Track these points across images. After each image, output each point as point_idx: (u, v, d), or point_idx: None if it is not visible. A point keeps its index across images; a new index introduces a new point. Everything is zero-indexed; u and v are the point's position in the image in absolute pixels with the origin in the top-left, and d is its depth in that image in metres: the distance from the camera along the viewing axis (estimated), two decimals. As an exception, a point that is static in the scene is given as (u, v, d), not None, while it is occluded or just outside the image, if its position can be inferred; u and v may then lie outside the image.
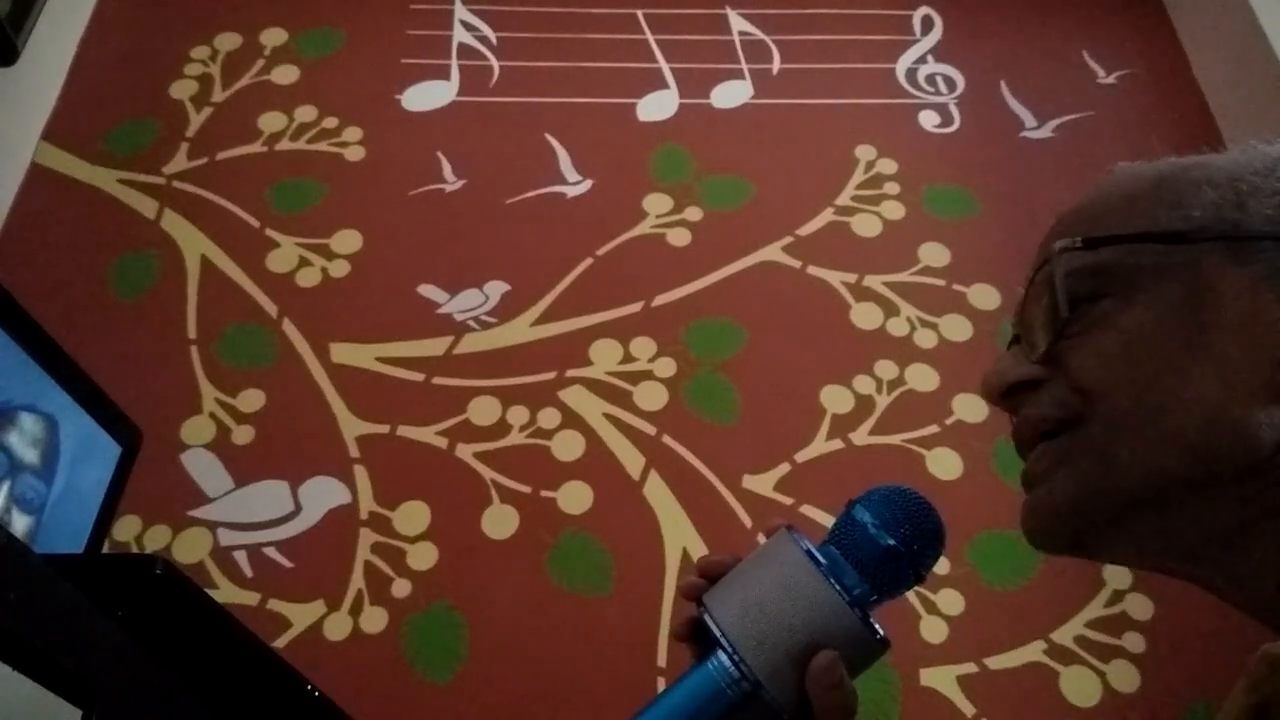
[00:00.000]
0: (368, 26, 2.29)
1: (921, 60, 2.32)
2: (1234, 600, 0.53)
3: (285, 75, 2.21)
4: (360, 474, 1.75)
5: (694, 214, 2.06)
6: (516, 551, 1.68)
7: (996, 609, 1.66)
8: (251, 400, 1.81)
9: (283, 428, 1.79)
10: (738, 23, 2.34)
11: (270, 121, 2.14)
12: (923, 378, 1.87)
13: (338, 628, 1.61)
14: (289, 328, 1.89)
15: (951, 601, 1.66)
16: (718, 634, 0.57)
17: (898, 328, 1.93)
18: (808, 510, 1.72)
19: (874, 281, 1.98)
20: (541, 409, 1.81)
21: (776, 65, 2.28)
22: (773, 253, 2.02)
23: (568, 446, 1.78)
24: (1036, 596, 1.67)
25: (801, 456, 1.78)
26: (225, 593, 1.62)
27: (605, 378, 1.85)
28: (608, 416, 1.81)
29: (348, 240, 1.99)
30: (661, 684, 1.57)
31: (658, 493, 1.74)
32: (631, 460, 1.77)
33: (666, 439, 1.79)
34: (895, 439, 1.81)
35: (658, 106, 2.21)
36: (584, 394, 1.83)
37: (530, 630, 1.62)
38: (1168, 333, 0.51)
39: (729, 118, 2.20)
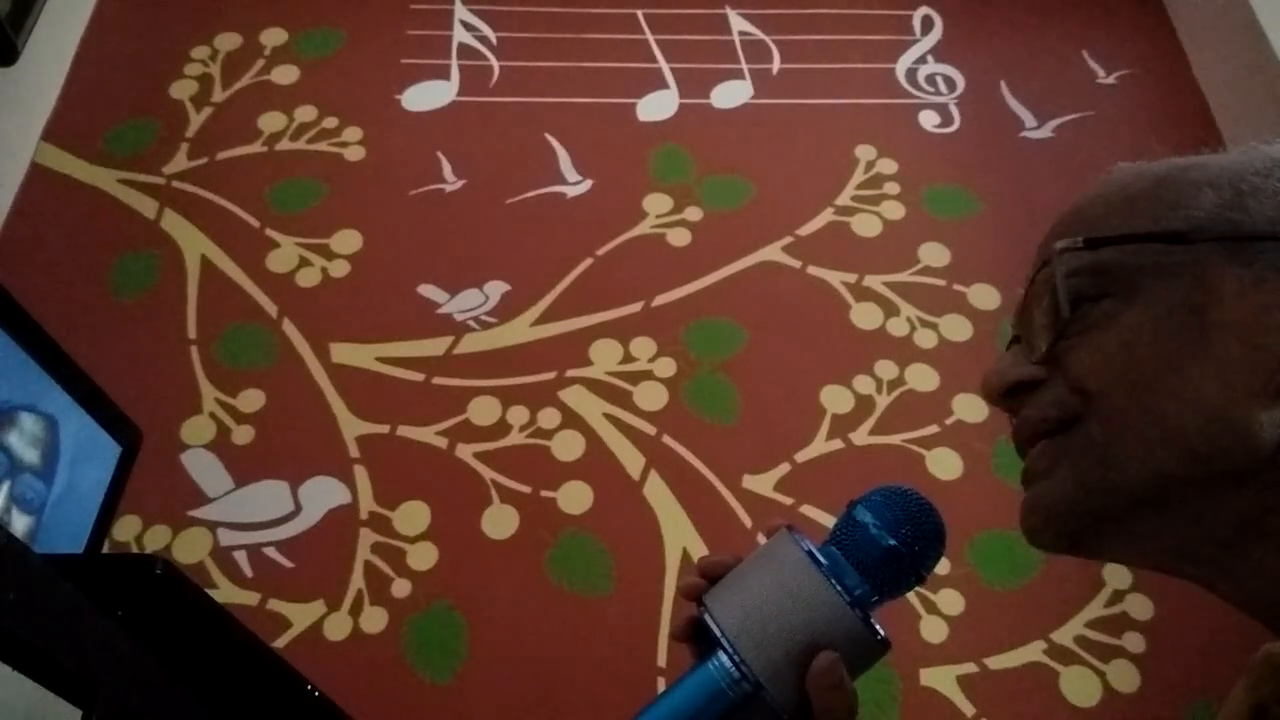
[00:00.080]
0: (368, 26, 2.29)
1: (921, 60, 2.32)
2: (1234, 600, 0.53)
3: (285, 75, 2.21)
4: (360, 474, 1.75)
5: (694, 214, 2.06)
6: (516, 551, 1.68)
7: (996, 609, 1.66)
8: (251, 400, 1.81)
9: (283, 428, 1.79)
10: (738, 23, 2.34)
11: (270, 121, 2.14)
12: (923, 378, 1.87)
13: (338, 628, 1.61)
14: (289, 328, 1.89)
15: (951, 601, 1.66)
16: (718, 634, 0.57)
17: (898, 328, 1.93)
18: (808, 510, 1.72)
19: (874, 281, 1.98)
20: (541, 409, 1.81)
21: (776, 65, 2.28)
22: (773, 253, 2.02)
23: (568, 446, 1.78)
24: (1036, 596, 1.67)
25: (801, 456, 1.78)
26: (225, 593, 1.62)
27: (605, 378, 1.85)
28: (608, 416, 1.81)
29: (348, 240, 1.99)
30: (661, 684, 1.57)
31: (658, 493, 1.74)
32: (631, 460, 1.77)
33: (666, 439, 1.79)
34: (895, 439, 1.81)
35: (658, 106, 2.21)
36: (584, 394, 1.83)
37: (530, 630, 1.62)
38: (1168, 333, 0.51)
39: (729, 118, 2.20)
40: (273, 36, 2.27)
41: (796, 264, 2.00)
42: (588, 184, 2.09)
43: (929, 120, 2.22)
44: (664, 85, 2.24)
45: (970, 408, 1.83)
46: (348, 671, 1.55)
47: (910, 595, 1.52)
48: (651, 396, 1.83)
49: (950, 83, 2.28)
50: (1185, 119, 2.22)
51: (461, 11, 2.33)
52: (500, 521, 1.71)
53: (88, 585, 0.69)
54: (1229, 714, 0.57)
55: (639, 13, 2.34)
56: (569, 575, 1.67)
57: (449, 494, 1.73)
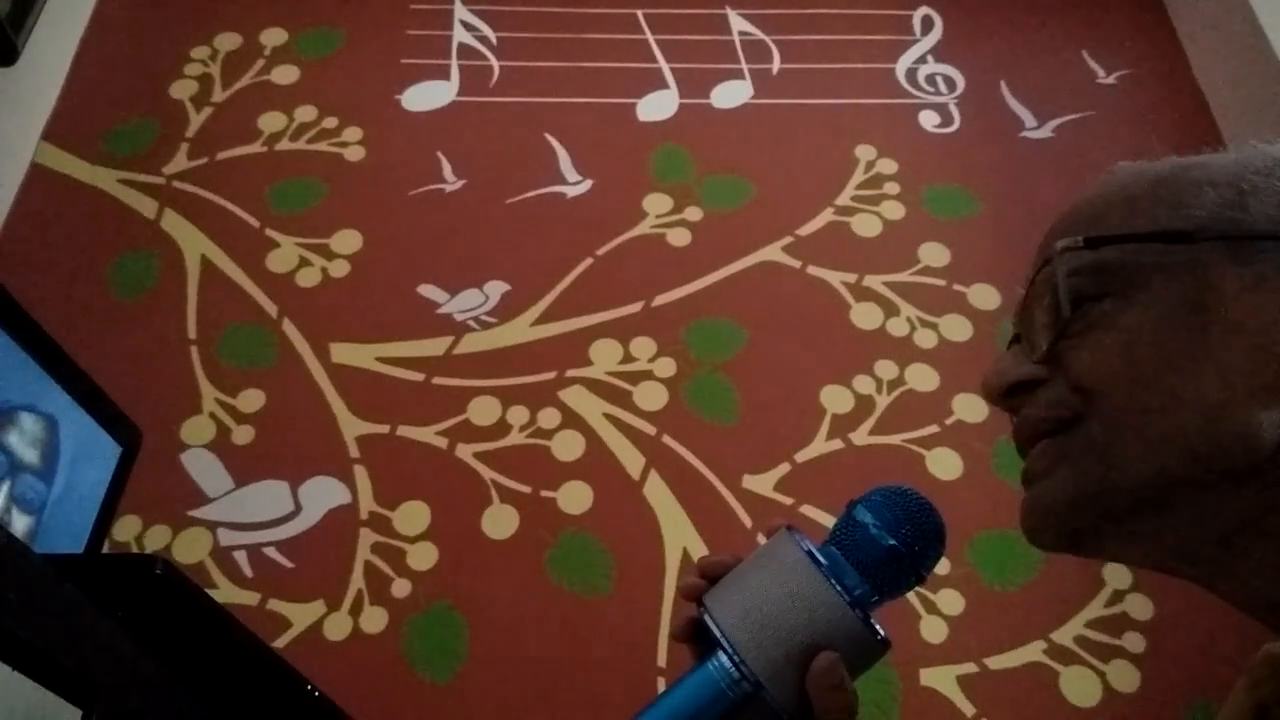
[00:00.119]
0: (368, 26, 2.29)
1: (921, 60, 2.32)
2: (1234, 600, 0.53)
3: (285, 75, 2.21)
4: (360, 474, 1.75)
5: (694, 214, 2.06)
6: (516, 551, 1.68)
7: (996, 609, 1.66)
8: (251, 400, 1.81)
9: (283, 428, 1.79)
10: (738, 23, 2.34)
11: (270, 121, 2.14)
12: (923, 378, 1.87)
13: (338, 628, 1.61)
14: (289, 328, 1.89)
15: (951, 601, 1.66)
16: (718, 635, 0.56)
17: (898, 328, 1.93)
18: (808, 510, 1.72)
19: (874, 281, 1.98)
20: (541, 409, 1.81)
21: (776, 65, 2.28)
22: (773, 253, 2.02)
23: (568, 446, 1.78)
24: (1036, 596, 1.67)
25: (801, 456, 1.78)
26: (225, 593, 1.62)
27: (605, 378, 1.85)
28: (608, 416, 1.81)
29: (348, 240, 2.00)
30: (661, 684, 1.57)
31: (658, 493, 1.74)
32: (631, 460, 1.77)
33: (666, 439, 1.79)
34: (895, 439, 1.81)
35: (658, 106, 2.21)
36: (584, 394, 1.83)
37: (530, 630, 1.62)
38: (1169, 332, 0.51)
39: (729, 118, 2.20)
40: (273, 36, 2.27)
41: (796, 264, 2.00)
42: (588, 184, 2.09)
43: (929, 120, 2.22)
44: (664, 85, 2.24)
45: (970, 408, 1.83)
46: (348, 671, 1.55)
47: (910, 595, 1.52)
48: (651, 396, 1.83)
49: (950, 83, 2.28)
50: (1185, 119, 2.22)
51: (461, 11, 2.33)
52: (500, 521, 1.71)
53: (88, 585, 0.69)
54: (1229, 714, 0.57)
55: (639, 13, 2.34)
56: (569, 575, 1.67)
57: (449, 494, 1.73)
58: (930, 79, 2.29)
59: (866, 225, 2.06)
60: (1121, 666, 1.61)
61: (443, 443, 1.78)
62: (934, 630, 1.64)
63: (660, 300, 1.95)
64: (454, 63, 2.25)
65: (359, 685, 1.52)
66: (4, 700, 0.59)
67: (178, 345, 1.86)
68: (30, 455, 0.88)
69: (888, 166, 2.14)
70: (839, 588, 0.56)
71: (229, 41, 2.26)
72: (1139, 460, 0.51)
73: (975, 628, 1.64)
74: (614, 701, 1.54)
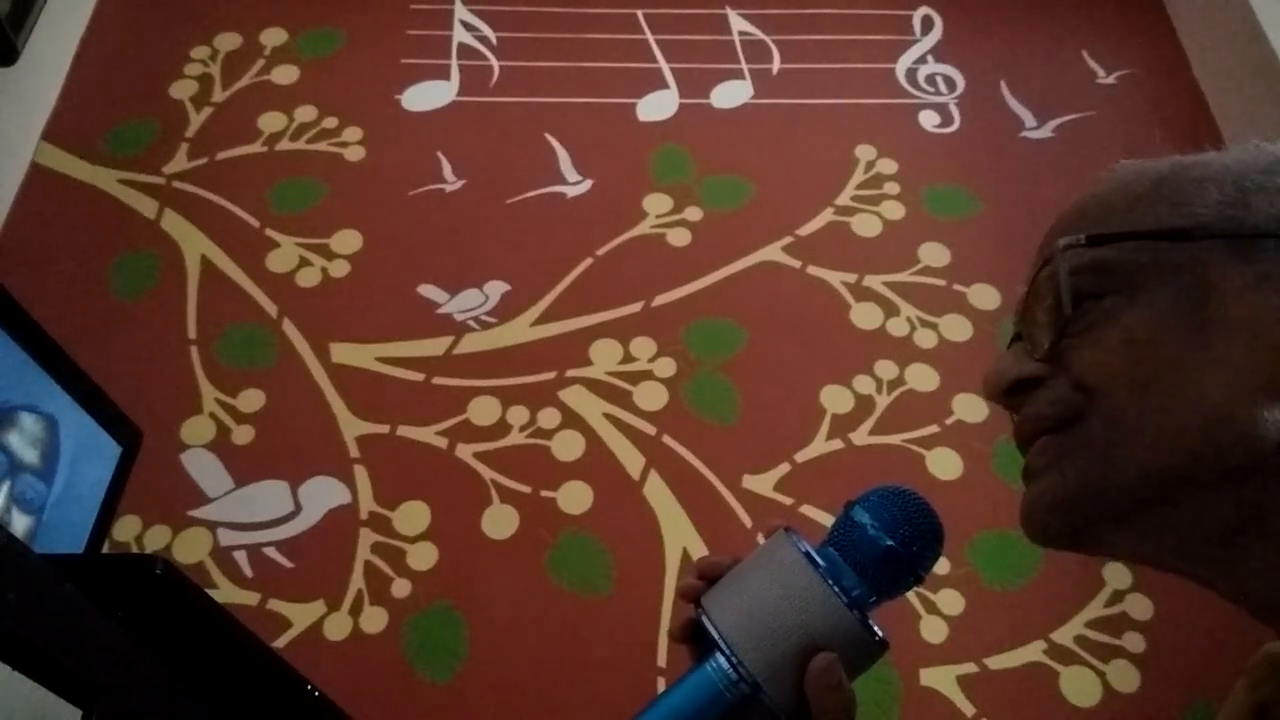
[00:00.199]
0: (368, 26, 2.29)
1: (921, 60, 2.32)
2: (1235, 599, 0.53)
3: (285, 75, 2.21)
4: (360, 474, 1.75)
5: (694, 214, 2.06)
6: (516, 551, 1.68)
7: (996, 609, 1.66)
8: (251, 400, 1.81)
9: (283, 428, 1.79)
10: (738, 23, 2.34)
11: (270, 121, 2.14)
12: (923, 378, 1.87)
13: (338, 628, 1.61)
14: (289, 328, 1.89)
15: (951, 601, 1.66)
16: (716, 636, 0.56)
17: (898, 328, 1.93)
18: (808, 510, 1.72)
19: (874, 281, 1.98)
20: (541, 409, 1.81)
21: (776, 65, 2.28)
22: (773, 253, 2.01)
23: (568, 446, 1.78)
24: (1036, 596, 1.67)
25: (801, 456, 1.78)
26: (225, 593, 1.62)
27: (605, 378, 1.85)
28: (608, 416, 1.81)
29: (348, 240, 2.00)
30: (661, 684, 1.57)
31: (658, 493, 1.74)
32: (631, 460, 1.77)
33: (666, 439, 1.79)
34: (895, 439, 1.81)
35: (658, 106, 2.21)
36: (584, 394, 1.83)
37: (530, 630, 1.62)
38: (1170, 331, 0.51)
39: (729, 118, 2.20)
40: (273, 36, 2.27)
41: (796, 264, 2.00)
42: (588, 184, 2.09)
43: (929, 120, 2.22)
44: (664, 85, 2.24)
45: (970, 408, 1.83)
46: (348, 671, 1.55)
47: (910, 595, 1.52)
48: (651, 396, 1.83)
49: (950, 83, 2.28)
50: (1185, 119, 2.22)
51: (461, 11, 2.33)
52: (500, 521, 1.71)
53: (88, 585, 0.69)
54: (1229, 714, 0.57)
55: (639, 13, 2.34)
56: (569, 575, 1.67)
57: (449, 494, 1.73)
58: (930, 79, 2.29)
59: (866, 225, 2.06)
60: (1121, 666, 1.61)
61: (443, 443, 1.78)
62: (934, 630, 1.64)
63: (660, 300, 1.95)
64: (454, 63, 2.25)
65: (359, 685, 1.52)
66: (4, 700, 0.59)
67: (178, 345, 1.86)
68: (30, 455, 0.88)
69: (888, 166, 2.14)
70: (837, 589, 0.56)
71: (229, 41, 2.26)
72: (1140, 458, 0.50)
73: (975, 628, 1.64)
74: (614, 701, 1.54)
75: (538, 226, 2.03)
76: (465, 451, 1.77)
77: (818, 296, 1.97)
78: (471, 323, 1.91)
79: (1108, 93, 2.27)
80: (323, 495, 1.72)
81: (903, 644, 1.60)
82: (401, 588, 1.64)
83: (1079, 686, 1.60)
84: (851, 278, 1.99)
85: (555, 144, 2.14)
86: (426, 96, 2.20)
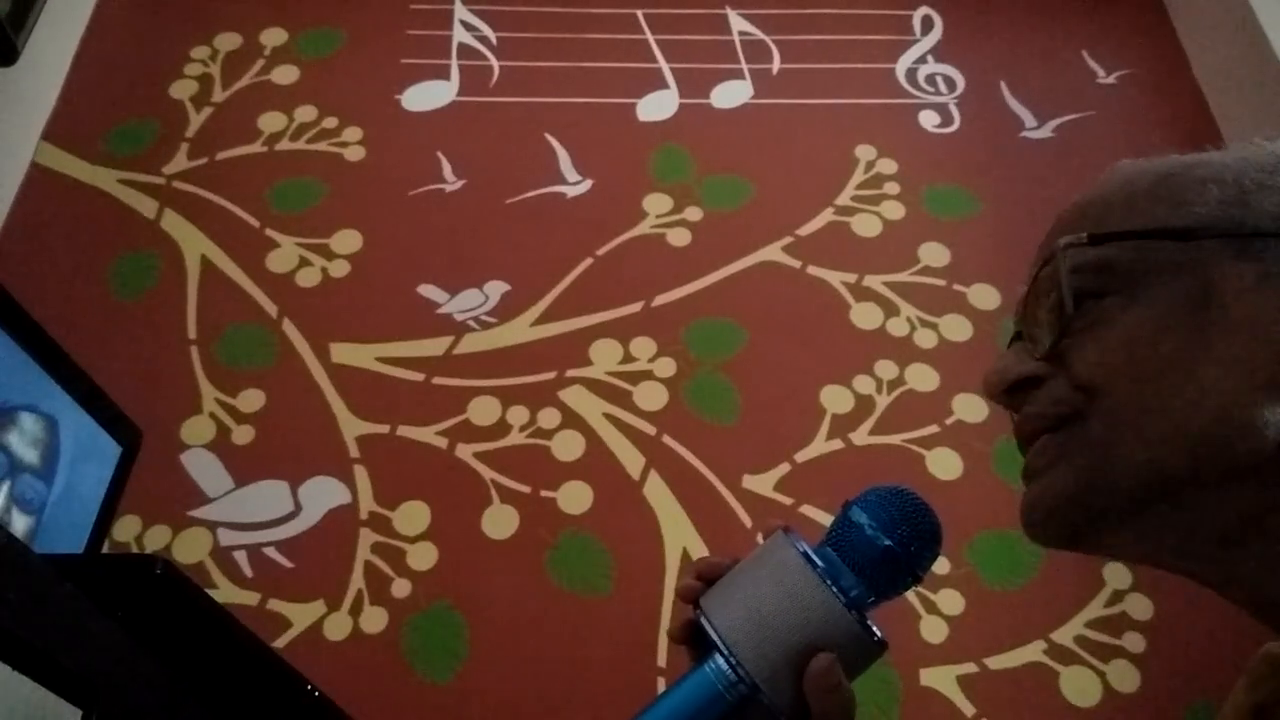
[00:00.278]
0: (368, 26, 2.29)
1: (921, 60, 2.32)
2: (1235, 599, 0.53)
3: (285, 75, 2.21)
4: (360, 474, 1.75)
5: (694, 214, 2.06)
6: (516, 551, 1.68)
7: (996, 609, 1.66)
8: (251, 400, 1.81)
9: (283, 428, 1.79)
10: (738, 23, 2.34)
11: (270, 121, 2.14)
12: (923, 378, 1.87)
13: (338, 628, 1.61)
14: (289, 328, 1.89)
15: (951, 601, 1.66)
16: (715, 637, 0.56)
17: (898, 328, 1.93)
18: (808, 510, 1.72)
19: (874, 281, 1.98)
20: (541, 409, 1.81)
21: (776, 65, 2.28)
22: (773, 253, 2.01)
23: (568, 446, 1.78)
24: (1036, 596, 1.67)
25: (801, 456, 1.78)
26: (225, 593, 1.62)
27: (605, 378, 1.85)
28: (608, 416, 1.81)
29: (348, 240, 2.00)
30: (661, 684, 1.57)
31: (658, 493, 1.74)
32: (631, 460, 1.77)
33: (666, 439, 1.79)
34: (895, 439, 1.81)
35: (658, 106, 2.21)
36: (584, 394, 1.83)
37: (530, 630, 1.62)
38: (1171, 330, 0.51)
39: (729, 118, 2.20)
40: (273, 36, 2.27)
41: (796, 264, 2.00)
42: (588, 184, 2.09)
43: (929, 120, 2.22)
44: (664, 85, 2.24)
45: (970, 408, 1.83)
46: (348, 671, 1.55)
47: (910, 595, 1.53)
48: (651, 396, 1.83)
49: (950, 83, 2.28)
50: (1185, 119, 2.22)
51: (461, 11, 2.33)
52: (500, 521, 1.71)
53: (88, 585, 0.69)
54: (1229, 714, 0.57)
55: (639, 13, 2.34)
56: (569, 575, 1.67)
57: (449, 494, 1.73)
58: (930, 79, 2.29)
59: (866, 225, 2.06)
60: (1121, 666, 1.61)
61: (443, 443, 1.78)
62: (934, 630, 1.64)
63: (660, 300, 1.95)
64: (454, 63, 2.25)
65: (359, 685, 1.52)
66: (4, 700, 0.59)
67: (178, 345, 1.86)
68: (30, 455, 0.88)
69: (888, 166, 2.14)
70: (835, 589, 0.56)
71: (229, 41, 2.26)
72: (1139, 458, 0.50)
73: (975, 628, 1.64)
74: (614, 701, 1.54)
75: (538, 226, 2.03)
76: (465, 451, 1.77)
77: (818, 296, 1.97)
78: (471, 323, 1.91)
79: (1108, 93, 2.27)
80: (323, 495, 1.72)
81: (903, 644, 1.60)
82: (401, 588, 1.64)
83: (1079, 686, 1.60)
84: (851, 278, 1.99)
85: (555, 144, 2.14)
86: (426, 96, 2.20)
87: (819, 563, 0.57)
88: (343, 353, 1.87)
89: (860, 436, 1.81)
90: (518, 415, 1.81)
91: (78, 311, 1.87)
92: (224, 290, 1.93)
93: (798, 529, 0.59)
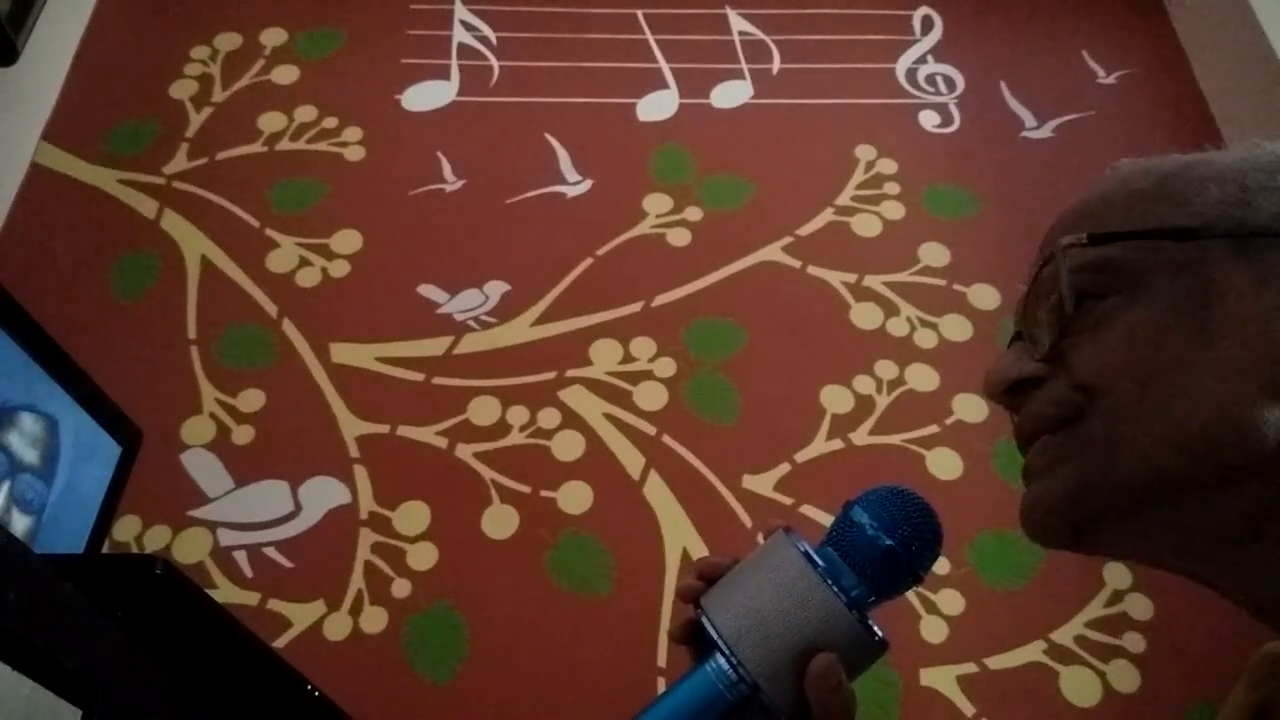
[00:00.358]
0: (368, 26, 2.29)
1: (921, 60, 2.32)
2: (1235, 598, 0.53)
3: (285, 75, 2.21)
4: (360, 474, 1.75)
5: (694, 214, 2.06)
6: (516, 551, 1.68)
7: (996, 609, 1.66)
8: (251, 400, 1.81)
9: (283, 428, 1.79)
10: (738, 23, 2.34)
11: (270, 121, 2.14)
12: (923, 378, 1.87)
13: (338, 628, 1.61)
14: (289, 328, 1.89)
15: (951, 601, 1.66)
16: (715, 637, 0.56)
17: (898, 328, 1.93)
18: (808, 510, 1.72)
19: (874, 281, 1.98)
20: (541, 409, 1.81)
21: (776, 65, 2.28)
22: (773, 253, 2.01)
23: (568, 446, 1.78)
24: (1036, 596, 1.67)
25: (801, 456, 1.78)
26: (225, 593, 1.62)
27: (605, 378, 1.85)
28: (608, 416, 1.81)
29: (348, 240, 1.99)
30: (661, 684, 1.57)
31: (658, 493, 1.74)
32: (631, 460, 1.77)
33: (666, 439, 1.79)
34: (895, 439, 1.81)
35: (658, 106, 2.21)
36: (584, 394, 1.83)
37: (530, 630, 1.62)
38: (1171, 330, 0.51)
39: (729, 118, 2.20)
40: (273, 36, 2.27)
41: (796, 264, 2.00)
42: (588, 184, 2.09)
43: (929, 120, 2.22)
44: (664, 85, 2.24)
45: (970, 408, 1.83)
46: (348, 671, 1.55)
47: (910, 595, 1.53)
48: (651, 396, 1.83)
49: (950, 83, 2.28)
50: (1185, 119, 2.22)
51: (461, 11, 2.33)
52: (500, 521, 1.71)
53: (88, 585, 0.69)
54: (1229, 714, 0.57)
55: (639, 13, 2.34)
56: (569, 575, 1.67)
57: (449, 494, 1.73)
58: (930, 79, 2.29)
59: (866, 225, 2.06)
60: (1121, 666, 1.61)
61: (443, 443, 1.78)
62: (934, 630, 1.64)
63: (660, 300, 1.95)
64: (454, 63, 2.25)
65: (359, 685, 1.52)
66: (4, 700, 0.59)
67: (178, 345, 1.86)
68: (30, 455, 0.88)
69: (888, 166, 2.14)
70: (836, 589, 0.56)
71: (229, 41, 2.26)
72: (1140, 458, 0.50)
73: (975, 628, 1.64)
74: (614, 701, 1.54)
75: (538, 226, 2.03)
76: (465, 451, 1.77)
77: (818, 296, 1.97)
78: (471, 323, 1.91)
79: (1108, 93, 2.27)
80: (323, 495, 1.72)
81: (903, 644, 1.60)
82: (401, 588, 1.64)
83: (1079, 686, 1.60)
84: (851, 278, 1.99)
85: (555, 144, 2.14)
86: (426, 96, 2.20)
87: (820, 562, 0.57)
88: (343, 353, 1.87)
89: (860, 436, 1.81)
90: (518, 415, 1.81)
91: (78, 311, 1.87)
92: (224, 290, 1.93)
93: (798, 529, 0.59)
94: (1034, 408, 0.55)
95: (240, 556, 1.66)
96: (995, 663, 1.62)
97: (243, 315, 1.90)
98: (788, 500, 1.74)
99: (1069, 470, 0.53)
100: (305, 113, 2.15)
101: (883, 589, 0.58)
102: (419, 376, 1.85)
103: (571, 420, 1.80)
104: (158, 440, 1.62)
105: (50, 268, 1.93)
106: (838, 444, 1.80)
